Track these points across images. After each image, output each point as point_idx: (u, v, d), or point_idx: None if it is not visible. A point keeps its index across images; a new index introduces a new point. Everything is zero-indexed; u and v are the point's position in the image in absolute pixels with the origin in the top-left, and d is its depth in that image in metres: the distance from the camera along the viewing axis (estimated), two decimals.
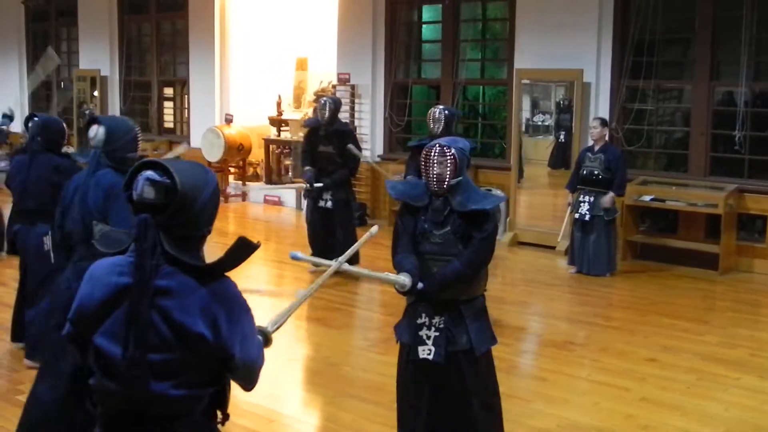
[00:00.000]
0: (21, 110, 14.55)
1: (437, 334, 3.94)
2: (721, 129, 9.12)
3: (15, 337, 6.02)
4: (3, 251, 7.68)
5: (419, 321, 3.98)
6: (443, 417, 4.02)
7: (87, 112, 14.09)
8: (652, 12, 9.19)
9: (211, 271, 2.36)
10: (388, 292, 5.97)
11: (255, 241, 2.37)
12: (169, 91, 14.89)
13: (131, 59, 15.03)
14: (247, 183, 13.26)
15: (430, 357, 3.93)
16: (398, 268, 3.89)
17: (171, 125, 14.75)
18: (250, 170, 13.66)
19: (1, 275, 7.96)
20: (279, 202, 12.66)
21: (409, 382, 4.08)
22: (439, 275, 3.88)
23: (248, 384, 2.48)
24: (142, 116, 14.89)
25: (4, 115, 9.64)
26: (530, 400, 5.26)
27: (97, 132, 4.30)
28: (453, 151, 3.91)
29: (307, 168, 8.32)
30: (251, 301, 2.47)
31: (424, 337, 3.95)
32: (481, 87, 12.24)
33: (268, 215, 12.28)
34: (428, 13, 11.75)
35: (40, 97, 16.64)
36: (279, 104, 13.38)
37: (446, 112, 7.63)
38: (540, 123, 10.47)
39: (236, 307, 2.37)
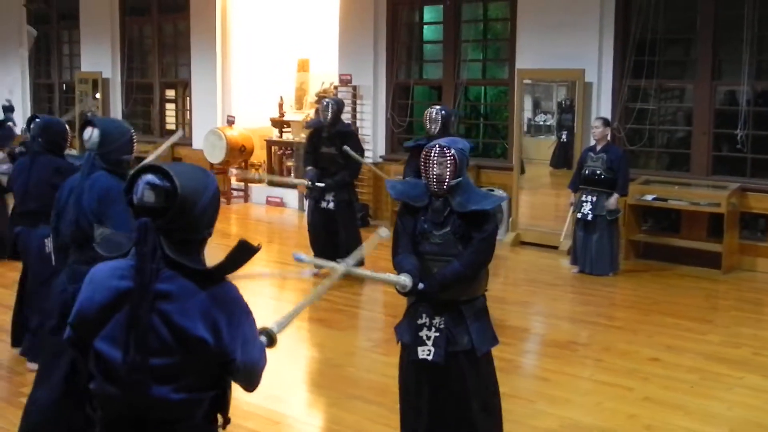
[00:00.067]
0: (22, 110, 14.56)
1: (437, 334, 3.94)
2: (724, 128, 9.12)
3: (15, 340, 6.01)
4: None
5: (420, 321, 3.98)
6: (443, 417, 4.01)
7: (88, 113, 14.08)
8: (653, 11, 9.18)
9: (211, 275, 2.36)
10: (391, 293, 5.96)
11: (256, 243, 2.37)
12: (170, 93, 14.87)
13: (133, 61, 15.02)
14: (249, 184, 13.27)
15: (430, 357, 3.93)
16: (398, 269, 3.88)
17: (173, 127, 14.73)
18: (252, 171, 13.64)
19: (3, 278, 7.96)
20: (281, 204, 12.65)
21: (409, 383, 4.08)
22: (439, 276, 3.87)
23: (250, 385, 2.48)
24: (144, 118, 14.91)
25: (5, 108, 9.50)
26: (533, 401, 5.25)
27: (91, 134, 4.24)
28: (453, 151, 3.91)
29: (309, 168, 8.31)
30: (253, 303, 2.47)
31: (424, 337, 3.95)
32: (482, 87, 12.24)
33: (270, 216, 12.27)
34: (429, 13, 11.75)
35: (41, 98, 16.66)
36: (281, 105, 13.37)
37: (443, 112, 7.64)
38: (542, 123, 10.46)
39: (237, 310, 2.37)
